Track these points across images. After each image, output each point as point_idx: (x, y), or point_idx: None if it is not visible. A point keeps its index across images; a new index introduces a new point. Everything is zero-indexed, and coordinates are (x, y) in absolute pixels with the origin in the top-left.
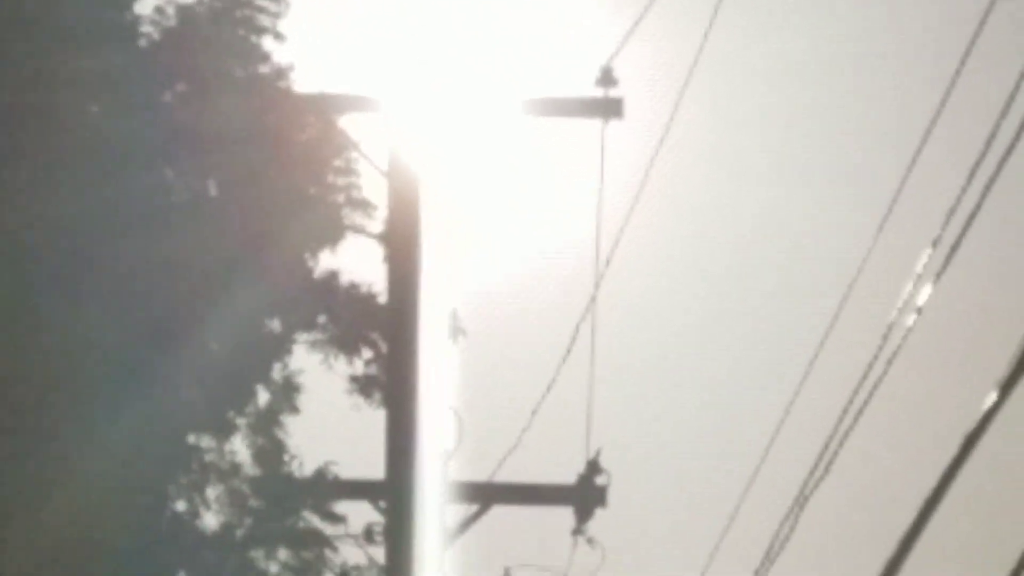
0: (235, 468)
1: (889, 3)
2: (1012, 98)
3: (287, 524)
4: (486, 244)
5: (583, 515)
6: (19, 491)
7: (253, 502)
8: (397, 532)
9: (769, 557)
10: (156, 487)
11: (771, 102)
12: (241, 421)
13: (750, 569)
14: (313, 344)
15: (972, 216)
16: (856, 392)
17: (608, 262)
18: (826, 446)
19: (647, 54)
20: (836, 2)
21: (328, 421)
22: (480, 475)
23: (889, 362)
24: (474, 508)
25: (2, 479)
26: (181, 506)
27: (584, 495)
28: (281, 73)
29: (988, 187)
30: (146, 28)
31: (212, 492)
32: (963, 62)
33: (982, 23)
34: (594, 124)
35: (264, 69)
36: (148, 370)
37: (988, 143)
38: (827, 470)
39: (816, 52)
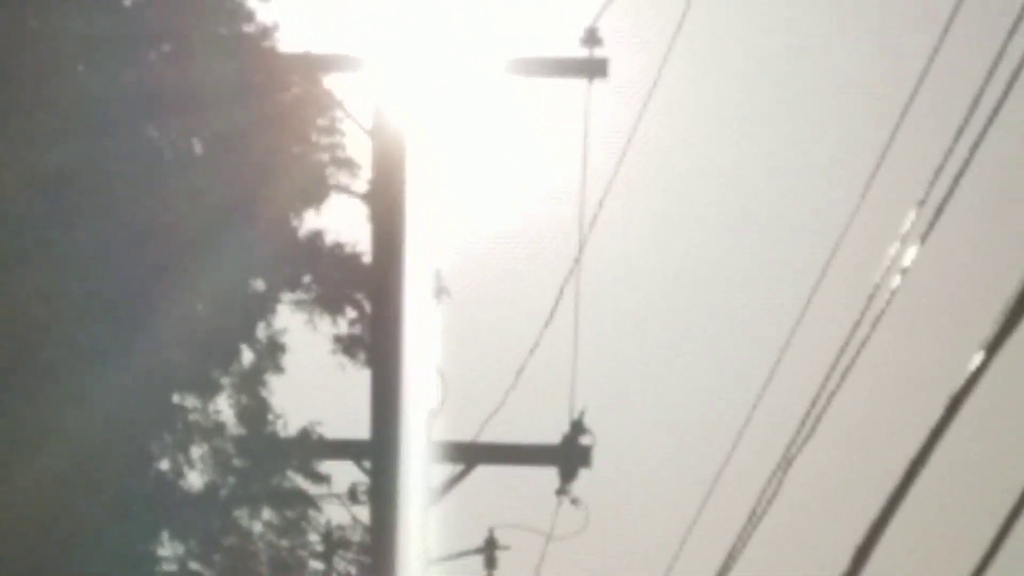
0: (219, 427)
1: None
2: (999, 57)
3: (271, 483)
4: (471, 204)
5: (567, 475)
6: (1, 450)
7: (237, 461)
8: (381, 492)
9: (753, 519)
10: (140, 446)
11: (756, 62)
12: (225, 380)
13: (734, 530)
14: (297, 304)
15: (958, 176)
16: (841, 353)
17: (593, 222)
18: (811, 408)
19: (632, 14)
20: None
21: (313, 381)
22: (464, 435)
23: (874, 324)
24: (458, 468)
25: None
26: (165, 465)
27: (568, 455)
28: (266, 32)
29: (975, 148)
30: None
31: (196, 451)
32: (951, 20)
33: None
34: (579, 84)
35: (249, 28)
36: (132, 329)
37: (974, 103)
38: (812, 432)
39: (804, 10)
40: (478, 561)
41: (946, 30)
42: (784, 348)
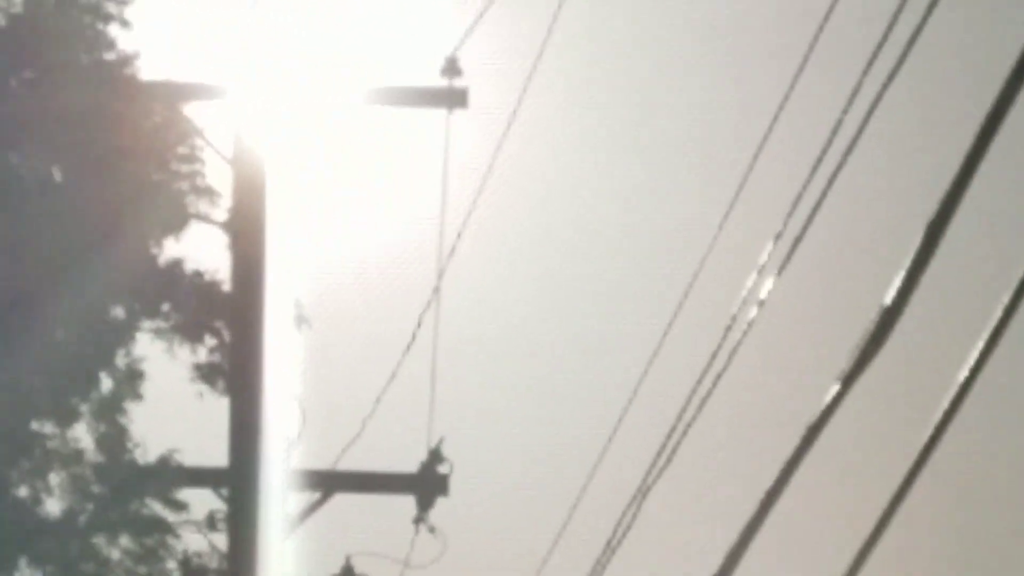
0: (78, 454)
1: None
2: (854, 94)
3: (130, 511)
4: (331, 234)
5: (425, 503)
6: None
7: (95, 488)
8: (240, 519)
9: (610, 547)
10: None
11: (615, 93)
12: (84, 407)
13: (592, 558)
14: (157, 332)
15: (815, 210)
16: (699, 383)
17: (452, 252)
18: (668, 437)
19: (493, 43)
20: None
21: (171, 409)
22: (323, 463)
23: (731, 354)
24: (316, 496)
25: None
26: (23, 492)
27: (426, 483)
28: (127, 60)
29: (831, 182)
30: None
31: (54, 478)
32: (806, 58)
33: (825, 20)
34: (439, 114)
35: (110, 56)
36: None
37: (830, 138)
38: (669, 461)
39: (665, 41)
40: None
41: (800, 69)
42: (641, 379)
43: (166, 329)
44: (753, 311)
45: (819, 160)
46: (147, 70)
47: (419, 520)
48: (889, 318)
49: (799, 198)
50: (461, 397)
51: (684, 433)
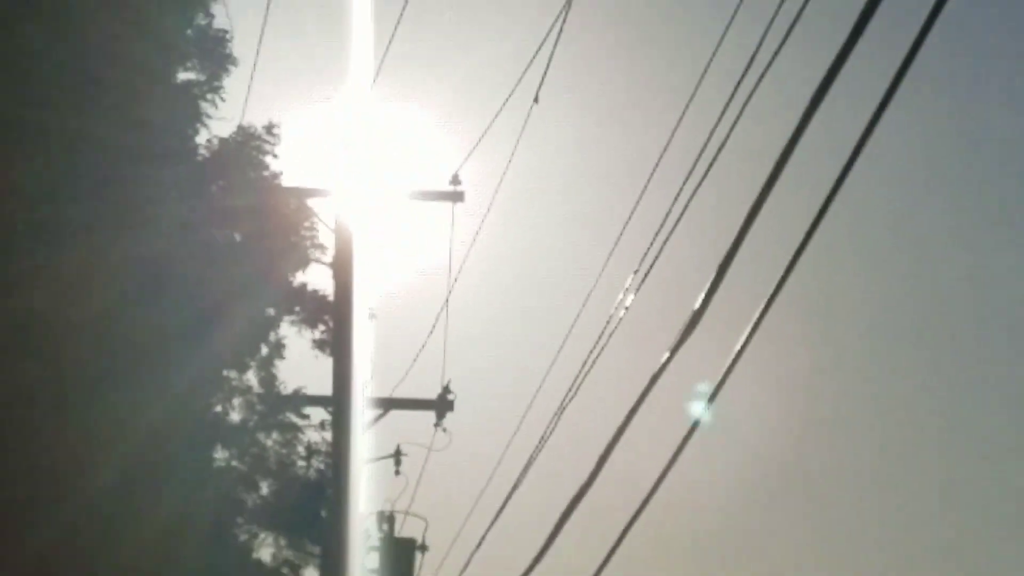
0: (249, 388)
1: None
2: (698, 156)
3: (277, 419)
4: (386, 269)
5: (440, 416)
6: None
7: (258, 407)
8: (338, 425)
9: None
10: (203, 401)
11: (555, 198)
12: (252, 362)
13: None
14: (292, 322)
15: (658, 253)
16: (584, 368)
17: (455, 282)
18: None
19: (483, 163)
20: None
21: (300, 363)
22: (383, 393)
23: (608, 339)
24: (380, 412)
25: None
26: (218, 408)
27: (440, 405)
28: (275, 176)
29: (671, 232)
30: (201, 151)
31: (236, 402)
32: (678, 123)
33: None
34: (447, 205)
35: (266, 173)
36: (202, 341)
37: (673, 202)
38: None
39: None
40: (390, 462)
41: (687, 112)
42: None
43: (297, 320)
44: (621, 312)
45: (667, 215)
46: (287, 180)
47: (437, 425)
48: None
49: (649, 248)
50: (460, 360)
51: (571, 398)
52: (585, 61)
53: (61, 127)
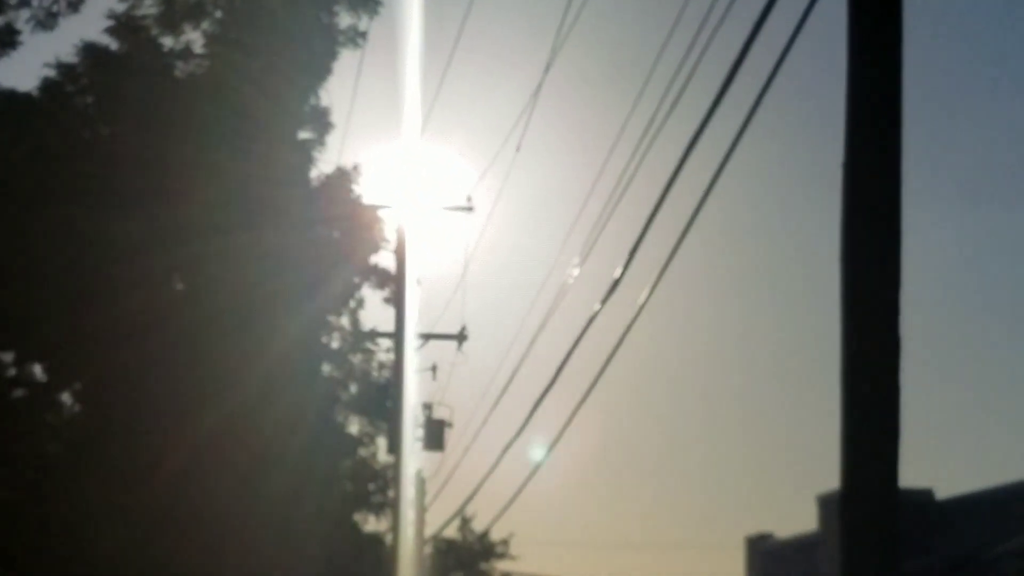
0: (343, 327)
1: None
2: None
3: (361, 346)
4: (426, 256)
5: (460, 344)
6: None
7: (349, 338)
8: (398, 349)
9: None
10: (315, 334)
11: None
12: (345, 311)
13: None
14: (369, 286)
15: (624, 269)
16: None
17: (466, 270)
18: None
19: (489, 186)
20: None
21: (375, 312)
22: (425, 329)
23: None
24: (423, 341)
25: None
26: (324, 339)
27: (460, 337)
28: (359, 198)
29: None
30: (313, 182)
31: (335, 335)
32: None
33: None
34: (461, 216)
35: (352, 195)
36: (314, 296)
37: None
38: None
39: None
40: (429, 373)
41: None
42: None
43: (373, 285)
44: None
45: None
46: (365, 198)
47: (458, 348)
48: None
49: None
50: (472, 307)
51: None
52: (561, 116)
53: (229, 167)
